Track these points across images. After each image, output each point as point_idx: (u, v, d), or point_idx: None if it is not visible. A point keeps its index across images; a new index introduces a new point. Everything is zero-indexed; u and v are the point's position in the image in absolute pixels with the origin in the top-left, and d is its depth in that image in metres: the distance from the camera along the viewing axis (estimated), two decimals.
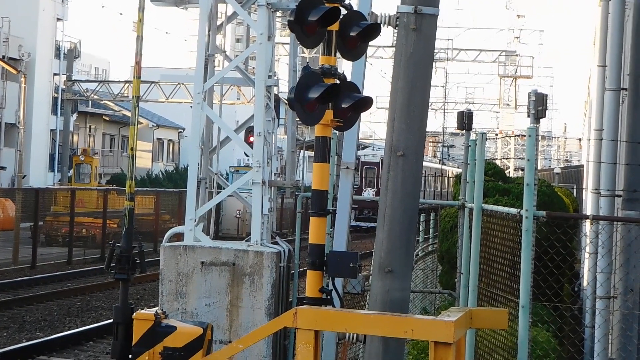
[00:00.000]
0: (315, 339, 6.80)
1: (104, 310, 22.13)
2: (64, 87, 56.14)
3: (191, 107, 13.06)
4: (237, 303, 12.00)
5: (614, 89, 10.69)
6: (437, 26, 8.19)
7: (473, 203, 10.22)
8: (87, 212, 37.85)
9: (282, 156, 29.85)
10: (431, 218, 25.29)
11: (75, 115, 59.09)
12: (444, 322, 6.48)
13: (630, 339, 9.41)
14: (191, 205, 12.54)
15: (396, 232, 8.00)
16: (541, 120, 9.24)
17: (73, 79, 56.43)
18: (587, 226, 10.36)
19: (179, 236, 12.84)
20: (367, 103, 8.79)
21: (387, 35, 54.70)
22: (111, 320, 11.26)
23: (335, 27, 8.40)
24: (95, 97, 57.44)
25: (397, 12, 8.08)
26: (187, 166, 13.32)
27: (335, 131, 10.46)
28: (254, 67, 13.79)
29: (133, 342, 9.55)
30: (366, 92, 9.87)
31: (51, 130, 57.92)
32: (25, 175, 48.88)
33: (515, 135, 78.58)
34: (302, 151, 55.95)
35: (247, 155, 17.81)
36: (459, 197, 12.86)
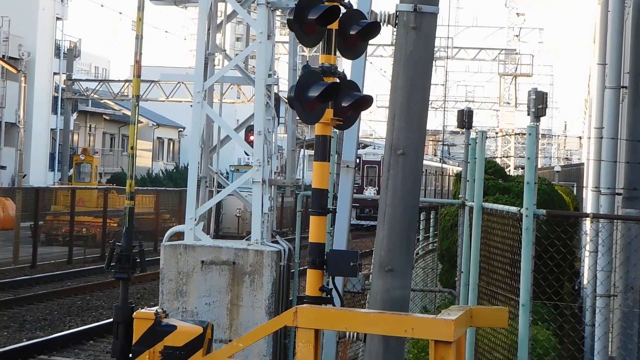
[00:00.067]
0: (315, 338, 6.80)
1: (105, 309, 22.13)
2: (64, 86, 56.14)
3: (191, 106, 13.06)
4: (237, 302, 12.00)
5: (614, 87, 10.69)
6: (436, 24, 8.19)
7: (473, 201, 10.22)
8: (87, 211, 37.84)
9: (282, 155, 29.86)
10: (431, 216, 25.29)
11: (75, 115, 59.08)
12: (444, 321, 6.48)
13: (631, 337, 9.41)
14: (191, 204, 12.54)
15: (396, 230, 8.00)
16: (541, 118, 9.25)
17: (73, 78, 56.43)
18: (587, 224, 10.36)
19: (179, 235, 12.84)
20: (367, 102, 8.78)
21: (387, 33, 54.74)
22: (111, 320, 11.26)
23: (334, 25, 8.40)
24: (95, 96, 57.44)
25: (397, 11, 8.07)
26: (187, 165, 13.32)
27: (335, 130, 10.46)
28: (253, 66, 13.79)
29: (133, 341, 9.55)
30: (366, 91, 9.87)
31: (51, 129, 57.94)
32: (25, 175, 48.91)
33: (516, 134, 78.56)
34: (302, 150, 55.98)
35: (247, 154, 17.77)
36: (459, 196, 12.86)
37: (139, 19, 10.62)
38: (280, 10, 13.31)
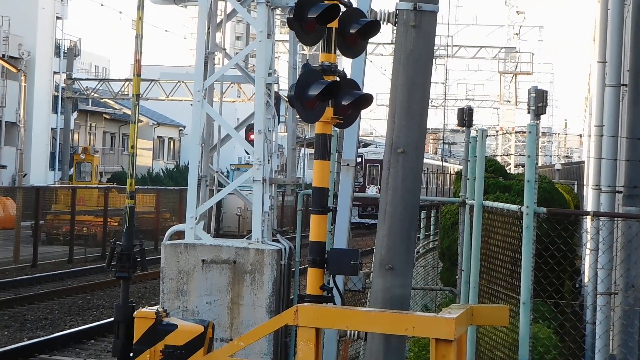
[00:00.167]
0: (316, 337, 6.80)
1: (105, 308, 22.13)
2: (64, 85, 56.13)
3: (191, 105, 13.06)
4: (238, 301, 12.01)
5: (614, 85, 10.68)
6: (436, 23, 8.19)
7: (474, 200, 10.22)
8: (87, 210, 37.83)
9: (283, 154, 29.84)
10: (432, 215, 25.29)
11: (75, 114, 59.08)
12: (445, 319, 6.48)
13: (632, 335, 9.41)
14: (192, 203, 12.54)
15: (397, 229, 7.99)
16: (541, 116, 9.24)
17: (73, 77, 56.41)
18: (587, 222, 10.36)
19: (180, 234, 12.84)
20: (367, 100, 8.78)
21: (387, 32, 54.72)
22: (112, 319, 11.27)
23: (334, 24, 8.39)
24: (95, 95, 57.42)
25: (397, 9, 8.07)
26: (188, 164, 13.33)
27: (336, 128, 10.46)
28: (254, 65, 13.80)
29: (134, 341, 9.56)
30: (366, 89, 9.87)
31: (52, 128, 57.92)
32: (25, 174, 48.89)
33: (516, 132, 78.57)
34: (302, 148, 55.97)
35: (247, 153, 17.74)
36: (460, 194, 12.86)
37: (139, 18, 10.63)
38: (280, 8, 13.31)
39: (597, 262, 10.07)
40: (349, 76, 9.02)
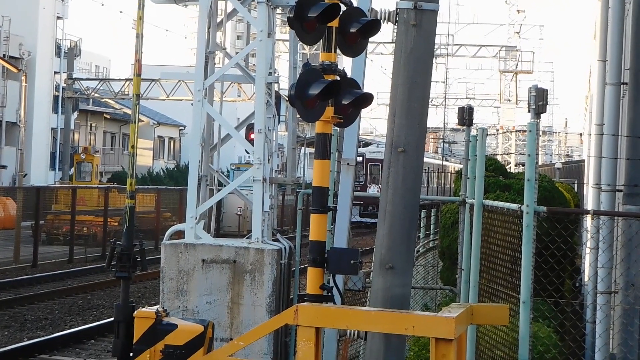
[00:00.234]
0: (316, 336, 6.80)
1: (105, 308, 22.13)
2: (65, 85, 56.12)
3: (192, 104, 13.06)
4: (238, 300, 12.00)
5: (615, 84, 10.68)
6: (437, 22, 8.19)
7: (474, 199, 10.21)
8: (88, 210, 37.84)
9: (283, 153, 29.84)
10: (432, 214, 25.29)
11: (76, 114, 59.07)
12: (445, 319, 6.48)
13: (632, 334, 9.40)
14: (192, 203, 12.54)
15: (397, 228, 7.99)
16: (542, 115, 9.24)
17: (74, 77, 56.39)
18: (588, 221, 10.35)
19: (180, 234, 12.84)
20: (367, 99, 8.78)
21: (388, 31, 54.71)
22: (112, 319, 11.27)
23: (335, 23, 8.39)
24: (95, 95, 57.42)
25: (397, 8, 8.07)
26: (188, 164, 13.33)
27: (336, 128, 10.45)
28: (254, 64, 13.80)
29: (134, 340, 9.56)
30: (366, 89, 9.88)
31: (52, 128, 57.93)
32: (26, 174, 48.89)
33: (516, 131, 78.57)
34: (302, 148, 55.99)
35: (247, 153, 17.75)
36: (460, 193, 12.85)
37: (139, 18, 10.62)
38: (280, 8, 13.31)
39: (597, 260, 10.07)
40: (349, 75, 9.02)
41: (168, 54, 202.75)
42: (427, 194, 52.58)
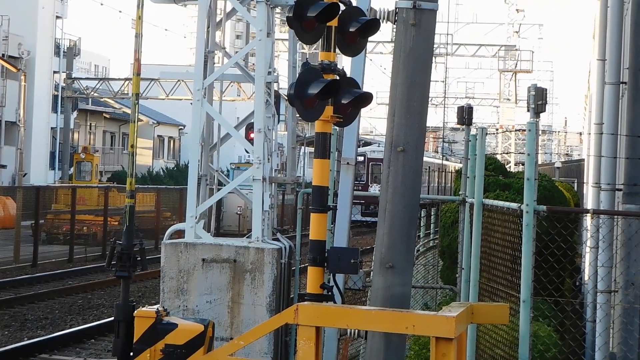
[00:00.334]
0: (316, 335, 6.80)
1: (105, 308, 22.13)
2: (64, 84, 56.11)
3: (191, 104, 13.07)
4: (238, 300, 12.01)
5: (614, 83, 10.68)
6: (436, 21, 8.19)
7: (474, 198, 10.22)
8: (88, 209, 37.84)
9: (283, 152, 29.84)
10: (432, 213, 25.28)
11: (75, 113, 59.09)
12: (445, 318, 6.48)
13: (631, 333, 9.41)
14: (192, 202, 12.54)
15: (397, 227, 8.00)
16: (541, 114, 9.25)
17: (73, 76, 56.37)
18: (587, 220, 10.36)
19: (180, 233, 12.85)
20: (366, 99, 8.78)
21: (387, 30, 54.75)
22: (112, 318, 11.27)
23: (334, 22, 8.39)
24: (95, 94, 57.41)
25: (396, 8, 8.08)
26: (188, 163, 13.34)
27: (335, 127, 10.45)
28: (253, 64, 13.81)
29: (134, 340, 9.56)
30: (366, 88, 9.88)
31: (51, 128, 57.95)
32: (25, 174, 48.92)
33: (516, 130, 78.51)
34: (302, 147, 56.00)
35: (247, 152, 17.78)
36: (460, 192, 12.85)
37: (138, 17, 10.62)
38: (279, 7, 13.31)
39: (597, 259, 10.07)
40: (348, 75, 9.02)
41: (167, 53, 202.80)
42: (427, 193, 52.58)
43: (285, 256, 12.39)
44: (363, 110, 10.43)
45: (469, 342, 9.51)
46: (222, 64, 13.92)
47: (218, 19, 13.66)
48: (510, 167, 64.30)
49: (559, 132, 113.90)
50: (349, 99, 8.56)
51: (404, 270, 8.05)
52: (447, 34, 70.43)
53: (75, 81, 56.36)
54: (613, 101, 10.70)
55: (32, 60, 54.93)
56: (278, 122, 14.21)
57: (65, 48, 58.73)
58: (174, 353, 9.41)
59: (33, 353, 16.51)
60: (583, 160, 31.22)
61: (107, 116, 68.81)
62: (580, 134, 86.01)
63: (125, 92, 53.93)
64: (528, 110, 9.47)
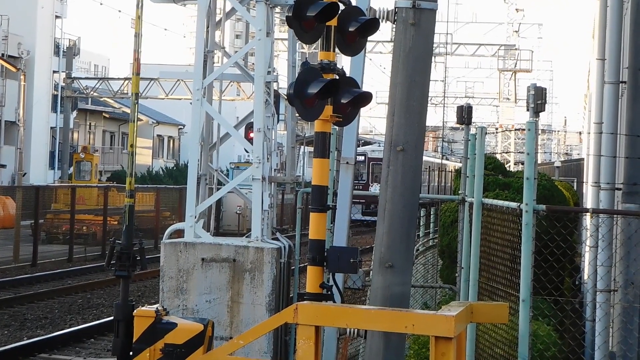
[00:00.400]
0: (316, 335, 6.81)
1: (105, 307, 22.13)
2: (64, 84, 56.13)
3: (191, 103, 13.07)
4: (237, 299, 12.01)
5: (613, 82, 10.68)
6: (435, 20, 8.19)
7: (473, 197, 10.22)
8: (87, 209, 37.85)
9: (282, 152, 29.86)
10: (431, 212, 25.29)
11: (75, 113, 59.09)
12: (445, 317, 6.48)
13: (631, 332, 9.41)
14: (191, 202, 12.54)
15: (396, 227, 8.00)
16: (541, 114, 9.22)
17: (72, 76, 56.40)
18: (587, 219, 10.35)
19: (180, 233, 12.85)
20: (366, 98, 8.78)
21: (387, 30, 54.75)
22: (112, 318, 11.27)
23: (333, 22, 8.39)
24: (94, 94, 57.41)
25: (396, 7, 8.08)
26: (187, 163, 13.34)
27: (335, 126, 10.45)
28: (253, 63, 13.81)
29: (134, 339, 9.57)
30: (365, 87, 9.87)
31: (51, 127, 57.94)
32: (25, 173, 48.92)
33: (515, 129, 78.52)
34: (302, 147, 56.01)
35: (247, 152, 17.75)
36: (459, 192, 12.85)
37: (138, 17, 10.63)
38: (279, 7, 13.31)
39: (596, 259, 10.07)
40: (348, 74, 9.02)
41: (167, 53, 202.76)
42: (427, 193, 52.60)
43: (285, 255, 12.40)
44: (363, 110, 10.44)
45: (468, 341, 9.51)
46: (222, 64, 13.92)
47: (217, 19, 13.66)
48: (509, 166, 64.30)
49: (558, 131, 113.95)
50: (348, 98, 8.55)
51: (403, 269, 8.05)
52: (447, 34, 70.36)
53: (74, 81, 56.39)
54: (612, 100, 10.71)
55: (32, 59, 54.93)
56: (277, 122, 14.21)
57: (65, 48, 58.73)
58: (174, 352, 9.42)
59: (33, 352, 16.52)
60: (582, 159, 31.23)
61: (107, 116, 68.81)
62: (580, 133, 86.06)
63: (125, 91, 53.94)
64: (527, 110, 9.44)
